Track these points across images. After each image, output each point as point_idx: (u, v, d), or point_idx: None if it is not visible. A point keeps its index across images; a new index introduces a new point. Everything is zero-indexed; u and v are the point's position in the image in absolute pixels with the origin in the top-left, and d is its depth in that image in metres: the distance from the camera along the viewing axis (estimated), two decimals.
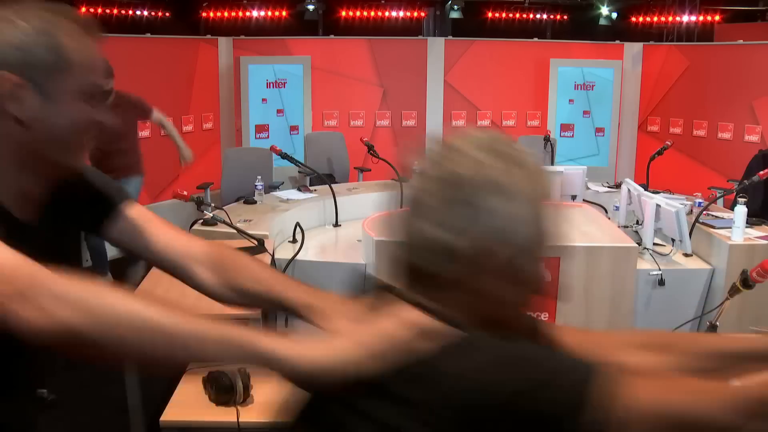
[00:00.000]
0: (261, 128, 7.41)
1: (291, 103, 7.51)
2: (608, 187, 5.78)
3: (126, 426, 3.04)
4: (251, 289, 1.22)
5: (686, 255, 4.15)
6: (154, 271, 3.54)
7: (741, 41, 6.83)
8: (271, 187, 5.45)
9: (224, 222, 3.85)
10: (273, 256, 3.83)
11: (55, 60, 1.05)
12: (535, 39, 7.89)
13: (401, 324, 0.94)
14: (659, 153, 5.57)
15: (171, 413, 2.15)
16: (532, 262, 0.97)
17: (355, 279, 1.13)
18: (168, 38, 6.85)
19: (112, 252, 6.32)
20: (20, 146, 1.08)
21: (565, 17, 8.60)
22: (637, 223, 4.46)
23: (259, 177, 5.04)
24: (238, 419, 2.10)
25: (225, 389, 2.16)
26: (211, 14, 7.99)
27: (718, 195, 4.81)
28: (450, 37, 7.86)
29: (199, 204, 3.80)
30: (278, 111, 7.48)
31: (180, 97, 6.87)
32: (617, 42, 7.83)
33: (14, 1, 1.08)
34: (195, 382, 2.28)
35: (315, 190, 5.39)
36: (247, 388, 2.19)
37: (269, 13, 7.97)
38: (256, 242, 3.81)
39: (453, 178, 0.94)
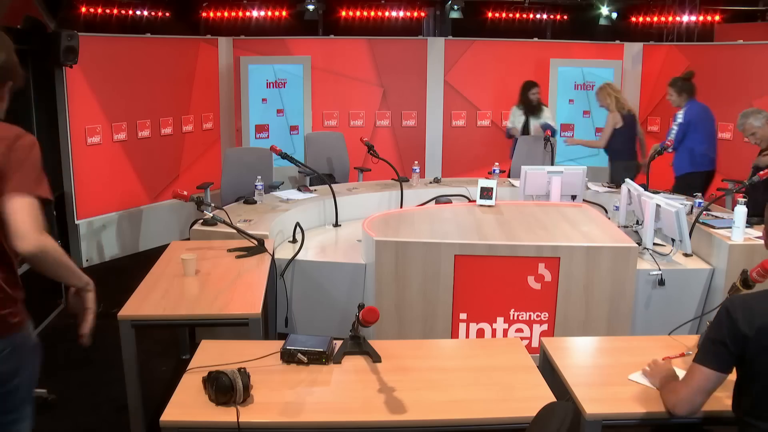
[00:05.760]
0: (261, 128, 7.42)
1: (291, 103, 7.51)
2: (608, 187, 5.78)
3: (126, 426, 3.04)
4: None
5: (686, 255, 4.15)
6: (154, 271, 3.54)
7: (741, 41, 6.82)
8: (271, 187, 5.44)
9: (224, 222, 3.85)
10: (273, 256, 3.83)
11: None
12: (535, 39, 7.89)
13: None
14: (659, 153, 5.57)
15: (171, 413, 2.15)
16: None
17: None
18: (168, 38, 6.85)
19: (113, 251, 6.32)
20: None
21: (565, 17, 8.59)
22: (637, 223, 4.46)
23: (259, 177, 5.04)
24: (238, 419, 2.10)
25: (225, 389, 2.16)
26: (211, 14, 8.00)
27: (717, 195, 4.81)
28: (450, 37, 7.86)
29: (199, 204, 3.80)
30: (278, 111, 7.48)
31: (180, 97, 6.87)
32: (617, 42, 7.83)
33: None
34: (195, 382, 2.28)
35: (315, 190, 5.38)
36: (247, 388, 2.19)
37: (269, 13, 7.97)
38: (256, 242, 3.81)
39: None
